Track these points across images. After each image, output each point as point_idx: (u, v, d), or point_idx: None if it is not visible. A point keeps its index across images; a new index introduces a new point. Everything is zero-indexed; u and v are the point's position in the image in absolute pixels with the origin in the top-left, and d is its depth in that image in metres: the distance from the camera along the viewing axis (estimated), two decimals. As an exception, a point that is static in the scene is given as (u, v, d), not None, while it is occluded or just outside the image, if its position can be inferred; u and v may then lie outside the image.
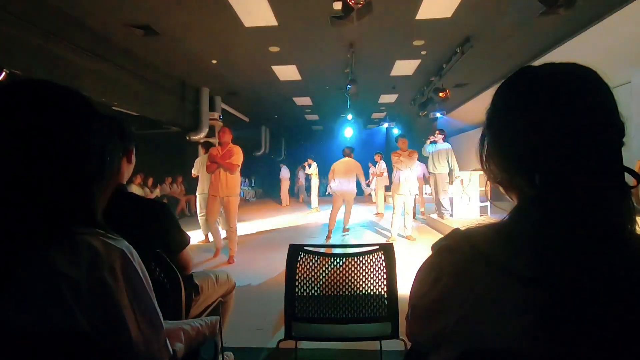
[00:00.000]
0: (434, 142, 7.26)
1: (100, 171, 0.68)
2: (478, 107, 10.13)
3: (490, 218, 6.55)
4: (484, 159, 0.59)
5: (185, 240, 1.55)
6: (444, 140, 7.20)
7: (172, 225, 1.51)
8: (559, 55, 6.25)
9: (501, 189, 0.58)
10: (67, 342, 0.58)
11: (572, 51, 6.01)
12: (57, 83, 0.67)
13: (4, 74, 4.26)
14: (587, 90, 0.51)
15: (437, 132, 7.30)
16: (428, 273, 0.55)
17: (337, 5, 4.77)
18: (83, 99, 0.68)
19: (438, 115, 11.72)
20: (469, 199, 6.88)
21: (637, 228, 0.48)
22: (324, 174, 11.34)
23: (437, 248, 0.56)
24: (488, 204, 7.15)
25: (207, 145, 5.89)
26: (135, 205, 1.48)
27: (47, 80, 0.66)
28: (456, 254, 0.52)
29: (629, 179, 0.50)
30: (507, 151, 0.54)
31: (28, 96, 0.63)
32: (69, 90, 0.67)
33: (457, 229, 0.56)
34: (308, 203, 11.30)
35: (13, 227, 0.58)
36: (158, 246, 1.43)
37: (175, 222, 1.54)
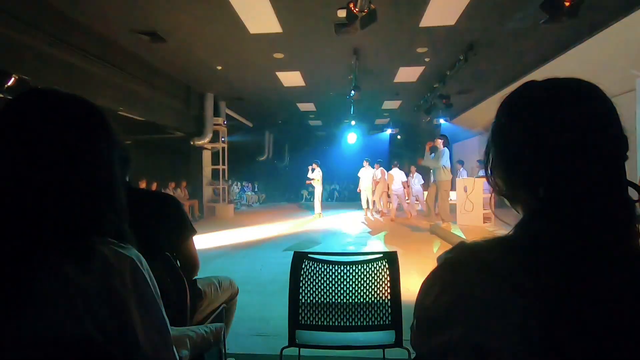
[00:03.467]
0: (435, 147, 7.02)
1: (109, 179, 0.69)
2: (481, 113, 10.14)
3: (494, 228, 6.52)
4: (489, 171, 0.59)
5: (194, 228, 1.63)
6: (444, 145, 6.90)
7: (183, 212, 1.61)
8: (562, 62, 6.25)
9: (507, 201, 0.59)
10: (77, 349, 0.59)
11: (575, 59, 6.02)
12: (66, 92, 0.68)
13: (13, 79, 4.32)
14: (589, 106, 0.52)
15: (438, 138, 7.07)
16: (433, 285, 0.56)
17: (342, 13, 4.82)
18: (92, 108, 0.69)
19: (442, 121, 11.72)
20: (472, 206, 6.85)
21: None
22: (327, 179, 11.35)
23: (443, 260, 0.57)
24: (492, 211, 7.11)
25: None
26: (146, 197, 1.58)
27: (57, 90, 0.68)
28: (462, 267, 0.53)
29: (633, 193, 0.51)
30: (512, 165, 0.55)
31: (37, 106, 0.64)
32: (78, 99, 0.68)
33: (462, 242, 0.56)
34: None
35: (26, 236, 0.59)
36: (172, 232, 1.53)
37: (185, 210, 1.64)
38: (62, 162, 0.62)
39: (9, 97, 0.67)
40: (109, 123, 0.71)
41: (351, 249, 5.92)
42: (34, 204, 0.60)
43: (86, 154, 0.65)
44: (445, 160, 6.76)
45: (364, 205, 10.27)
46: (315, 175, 10.34)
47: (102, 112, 0.71)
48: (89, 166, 0.65)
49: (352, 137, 13.35)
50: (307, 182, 10.72)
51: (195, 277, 1.80)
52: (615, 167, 0.50)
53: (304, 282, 1.68)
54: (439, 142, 6.91)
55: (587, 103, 0.52)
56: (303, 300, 1.68)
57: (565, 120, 0.50)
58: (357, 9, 4.14)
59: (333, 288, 1.69)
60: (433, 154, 7.03)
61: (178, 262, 1.60)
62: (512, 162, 0.55)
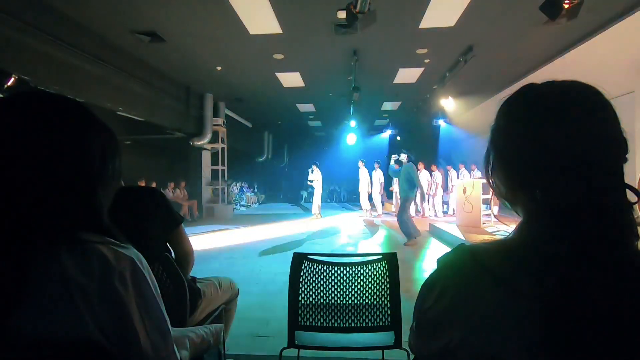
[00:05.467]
0: (400, 161, 6.57)
1: (102, 176, 0.69)
2: (480, 115, 10.16)
3: (493, 235, 6.52)
4: (489, 174, 0.60)
5: (181, 216, 1.68)
6: (409, 160, 6.46)
7: (167, 202, 1.65)
8: (562, 64, 6.26)
9: (507, 203, 0.59)
10: (78, 349, 0.59)
11: (575, 60, 6.03)
12: (55, 93, 0.69)
13: (12, 79, 4.32)
14: (588, 108, 0.52)
15: (402, 153, 6.56)
16: (433, 287, 0.56)
17: (342, 14, 4.82)
18: (79, 107, 0.70)
19: (441, 122, 11.74)
20: (471, 207, 6.85)
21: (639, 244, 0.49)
22: (327, 180, 11.36)
23: (443, 263, 0.57)
24: (491, 212, 7.12)
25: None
26: (131, 193, 1.59)
27: (45, 91, 0.69)
28: (461, 270, 0.53)
29: (631, 195, 0.51)
30: (510, 167, 0.55)
31: (28, 107, 0.64)
32: (66, 100, 0.69)
33: (462, 244, 0.56)
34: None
35: (24, 237, 0.59)
36: (161, 223, 1.56)
37: (169, 200, 1.69)
38: (52, 160, 0.62)
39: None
40: (97, 119, 0.71)
41: (350, 249, 5.92)
42: (27, 203, 0.60)
43: (75, 151, 0.65)
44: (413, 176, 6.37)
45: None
46: (315, 176, 10.35)
47: (88, 108, 0.70)
48: (79, 163, 0.65)
49: (351, 138, 13.35)
50: (310, 183, 10.71)
51: (196, 278, 1.80)
52: (614, 169, 0.50)
53: (303, 283, 1.68)
54: (404, 157, 6.49)
55: (585, 106, 0.52)
56: (302, 301, 1.68)
57: (563, 124, 0.50)
58: (357, 10, 4.14)
59: (332, 289, 1.69)
60: (399, 168, 6.59)
61: (173, 253, 1.61)
62: (510, 164, 0.55)
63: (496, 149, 0.58)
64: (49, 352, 0.57)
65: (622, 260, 0.47)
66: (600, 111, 0.52)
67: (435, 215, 9.91)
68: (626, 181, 0.51)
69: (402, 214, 6.27)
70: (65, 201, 0.63)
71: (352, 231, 7.87)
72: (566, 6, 3.98)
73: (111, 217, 0.71)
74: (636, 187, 0.52)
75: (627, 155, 0.52)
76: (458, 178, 9.67)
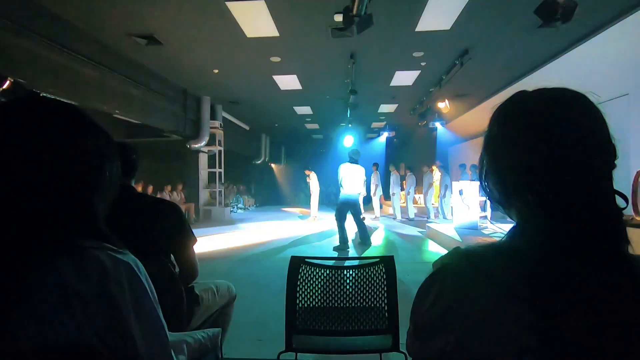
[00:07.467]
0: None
1: (99, 181, 0.69)
2: (477, 117, 10.20)
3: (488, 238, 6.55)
4: (483, 179, 0.61)
5: (194, 236, 1.67)
6: (355, 162, 6.37)
7: (184, 220, 1.67)
8: (556, 67, 6.31)
9: (500, 208, 0.60)
10: (75, 355, 0.59)
11: (570, 63, 6.07)
12: (51, 97, 0.69)
13: (8, 82, 4.30)
14: (577, 115, 0.53)
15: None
16: (429, 290, 0.57)
17: (338, 17, 4.84)
18: (75, 111, 0.69)
19: (437, 125, 11.79)
20: (468, 209, 6.88)
21: (629, 248, 0.50)
22: (323, 182, 11.35)
23: (438, 266, 0.57)
24: (488, 214, 7.15)
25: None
26: (149, 202, 1.65)
27: (41, 95, 0.69)
28: (457, 273, 0.54)
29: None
30: (503, 173, 0.57)
31: (23, 112, 0.64)
32: (62, 104, 0.69)
33: (457, 248, 0.57)
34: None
35: (21, 243, 0.59)
36: (173, 239, 1.58)
37: (186, 218, 1.67)
38: (48, 164, 0.62)
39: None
40: (95, 124, 0.71)
41: (348, 252, 5.92)
42: (22, 207, 0.60)
43: (72, 156, 0.65)
44: (344, 175, 6.23)
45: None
46: (312, 180, 10.35)
47: (86, 113, 0.70)
48: (76, 168, 0.65)
49: (348, 140, 13.35)
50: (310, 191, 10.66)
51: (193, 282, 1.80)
52: (603, 175, 0.52)
53: (301, 286, 1.68)
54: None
55: (574, 114, 0.53)
56: (300, 305, 1.68)
57: (553, 131, 0.52)
58: (353, 14, 4.16)
59: (330, 292, 1.69)
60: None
61: (177, 269, 1.61)
62: (503, 170, 0.56)
63: (489, 154, 0.59)
64: (46, 358, 0.57)
65: (614, 263, 0.48)
66: (590, 117, 0.53)
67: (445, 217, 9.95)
68: (620, 185, 0.52)
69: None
70: (62, 207, 0.63)
71: (349, 234, 7.86)
72: (560, 10, 4.02)
73: (124, 220, 0.71)
74: (634, 189, 0.53)
75: (616, 161, 0.53)
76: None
